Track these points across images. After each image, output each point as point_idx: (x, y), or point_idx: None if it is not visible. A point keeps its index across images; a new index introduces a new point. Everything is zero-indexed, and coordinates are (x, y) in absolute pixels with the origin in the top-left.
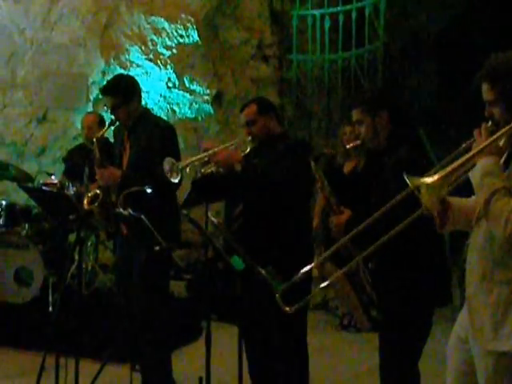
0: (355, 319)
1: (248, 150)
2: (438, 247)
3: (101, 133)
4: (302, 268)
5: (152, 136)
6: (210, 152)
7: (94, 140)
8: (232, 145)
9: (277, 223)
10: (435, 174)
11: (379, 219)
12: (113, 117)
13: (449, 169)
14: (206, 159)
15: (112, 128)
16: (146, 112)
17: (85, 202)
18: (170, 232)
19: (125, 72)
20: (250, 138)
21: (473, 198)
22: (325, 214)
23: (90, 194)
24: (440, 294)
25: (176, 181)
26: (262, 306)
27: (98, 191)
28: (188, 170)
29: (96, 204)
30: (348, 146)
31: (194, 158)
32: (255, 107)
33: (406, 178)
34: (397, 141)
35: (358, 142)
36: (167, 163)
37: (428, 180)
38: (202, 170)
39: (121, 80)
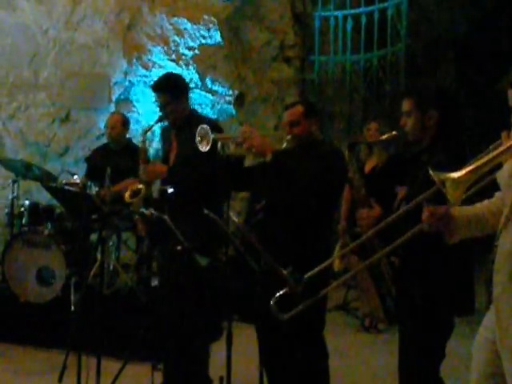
0: (378, 321)
1: (283, 146)
2: (466, 250)
3: (148, 128)
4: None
5: None
6: (248, 134)
7: (142, 135)
8: (269, 137)
9: (297, 221)
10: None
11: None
12: (161, 114)
13: (475, 165)
14: (241, 140)
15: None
16: (194, 111)
17: (126, 195)
18: (201, 232)
19: (147, 72)
20: (289, 137)
21: (481, 203)
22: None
23: (133, 187)
24: (464, 298)
25: (204, 150)
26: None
27: (140, 186)
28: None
29: (135, 199)
30: (384, 137)
31: (229, 135)
32: (302, 109)
33: (431, 172)
34: (440, 144)
35: (394, 133)
36: (202, 129)
37: (454, 175)
38: (232, 149)
39: (171, 78)
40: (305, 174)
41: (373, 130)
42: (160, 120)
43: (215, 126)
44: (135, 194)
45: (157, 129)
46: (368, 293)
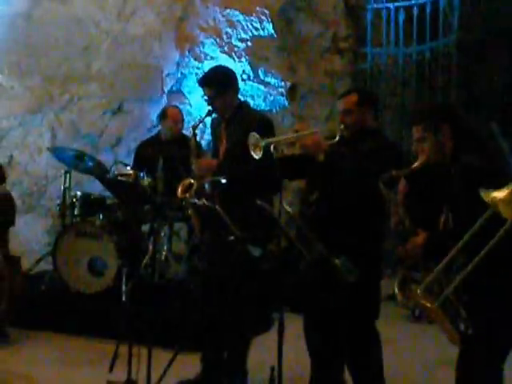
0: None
1: (337, 139)
2: None
3: (198, 123)
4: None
5: (248, 127)
6: (299, 134)
7: (191, 130)
8: (322, 131)
9: (350, 215)
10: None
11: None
12: (210, 108)
13: None
14: (293, 140)
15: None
16: (244, 103)
17: (179, 190)
18: (254, 222)
19: (199, 64)
20: (342, 126)
21: None
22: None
23: (185, 183)
24: None
25: (257, 157)
26: (335, 295)
27: (192, 181)
28: (272, 148)
29: (188, 194)
30: (414, 166)
31: (280, 138)
32: (356, 97)
33: (481, 193)
34: (462, 152)
35: (424, 159)
36: (252, 137)
37: (499, 195)
38: (286, 151)
39: (217, 71)
40: (360, 173)
41: (415, 135)
42: (209, 114)
43: (265, 122)
44: (187, 188)
45: (207, 120)
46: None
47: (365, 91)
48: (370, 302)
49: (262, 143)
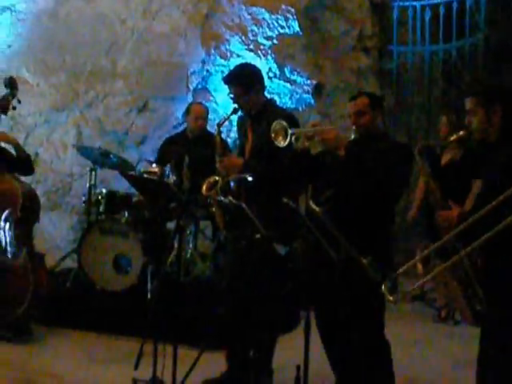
0: (455, 312)
1: (352, 137)
2: None
3: (223, 121)
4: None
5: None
6: (321, 128)
7: (216, 128)
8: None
9: (366, 213)
10: None
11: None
12: (236, 105)
13: None
14: (312, 134)
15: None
16: (270, 101)
17: (203, 188)
18: (280, 220)
19: (224, 62)
20: (354, 127)
21: None
22: (425, 206)
23: (210, 180)
24: None
25: (281, 145)
26: (358, 295)
27: (217, 178)
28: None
29: (213, 191)
30: (452, 138)
31: (305, 129)
32: (367, 100)
33: None
34: (508, 138)
35: (462, 133)
36: (278, 124)
37: None
38: (306, 144)
39: (242, 69)
40: (380, 169)
41: (443, 125)
42: (235, 112)
43: (291, 118)
44: (212, 186)
45: (234, 118)
46: (452, 293)
47: (374, 95)
48: (379, 303)
49: (290, 131)
